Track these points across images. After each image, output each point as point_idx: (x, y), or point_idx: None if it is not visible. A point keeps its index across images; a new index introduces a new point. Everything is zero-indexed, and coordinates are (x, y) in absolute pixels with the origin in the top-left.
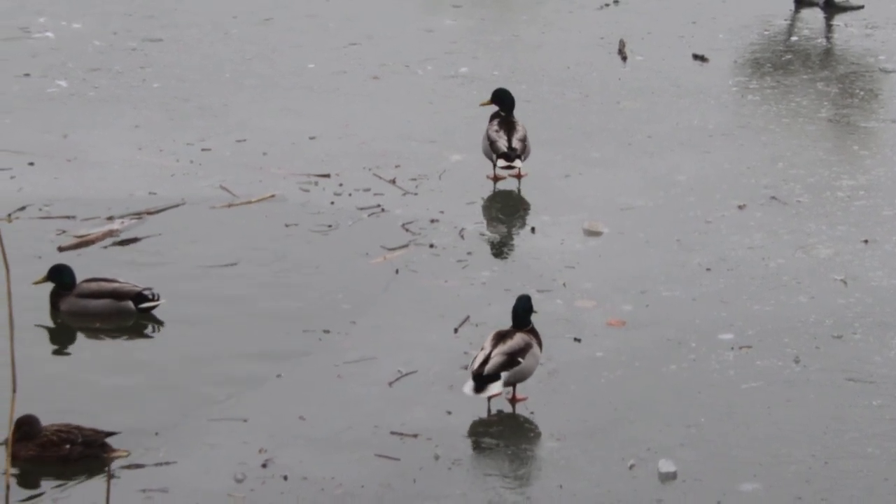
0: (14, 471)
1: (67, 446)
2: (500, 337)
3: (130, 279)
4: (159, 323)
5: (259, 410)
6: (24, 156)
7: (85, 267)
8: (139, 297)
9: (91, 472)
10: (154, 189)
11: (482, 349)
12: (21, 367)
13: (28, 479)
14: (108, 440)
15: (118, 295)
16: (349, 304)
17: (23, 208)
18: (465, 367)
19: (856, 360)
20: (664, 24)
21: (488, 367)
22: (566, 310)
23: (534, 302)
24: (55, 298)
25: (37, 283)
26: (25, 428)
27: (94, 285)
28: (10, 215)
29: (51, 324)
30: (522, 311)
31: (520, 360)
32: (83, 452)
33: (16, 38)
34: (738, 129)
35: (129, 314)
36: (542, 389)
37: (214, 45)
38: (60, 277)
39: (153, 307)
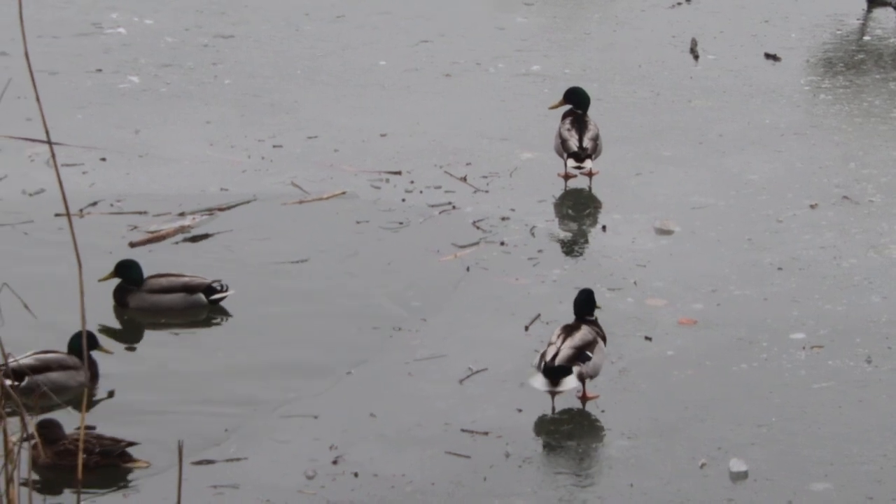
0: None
1: (85, 455)
2: (568, 330)
3: (198, 273)
4: (228, 315)
5: (330, 407)
6: (96, 151)
7: (157, 263)
8: (209, 289)
9: (164, 466)
10: (225, 185)
11: (550, 344)
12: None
13: (96, 475)
14: (130, 450)
15: (190, 288)
16: (420, 302)
17: (94, 204)
18: (534, 365)
19: None
20: (736, 22)
21: (559, 360)
22: (637, 308)
23: (604, 300)
24: (121, 294)
25: (103, 279)
26: (45, 431)
27: (164, 280)
28: (81, 210)
29: (117, 320)
30: (584, 302)
31: (588, 353)
32: (99, 462)
33: (88, 33)
34: (811, 128)
35: (201, 307)
36: (613, 388)
37: (286, 41)
38: (129, 273)
39: (223, 298)
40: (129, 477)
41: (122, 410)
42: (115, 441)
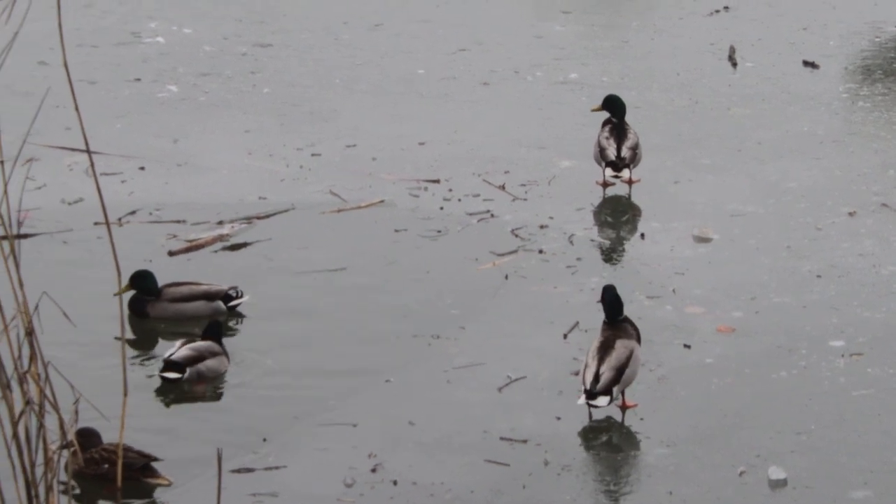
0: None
1: (106, 466)
2: (605, 349)
3: (223, 282)
4: (243, 316)
5: (368, 415)
6: (134, 160)
7: (195, 271)
8: (227, 296)
9: (203, 474)
10: (264, 194)
11: (586, 367)
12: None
13: (136, 484)
14: (156, 465)
15: (210, 296)
16: (458, 310)
17: (133, 212)
18: (575, 374)
19: None
20: (775, 30)
21: (601, 385)
22: (676, 316)
23: (643, 308)
24: (139, 305)
25: (119, 293)
26: (80, 440)
27: (184, 289)
28: (120, 219)
29: (131, 330)
30: (615, 306)
31: (625, 369)
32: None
33: (127, 42)
34: (849, 135)
35: (221, 314)
36: (652, 395)
37: (325, 50)
38: (144, 284)
39: (240, 304)
40: (165, 489)
41: (161, 418)
42: (141, 455)
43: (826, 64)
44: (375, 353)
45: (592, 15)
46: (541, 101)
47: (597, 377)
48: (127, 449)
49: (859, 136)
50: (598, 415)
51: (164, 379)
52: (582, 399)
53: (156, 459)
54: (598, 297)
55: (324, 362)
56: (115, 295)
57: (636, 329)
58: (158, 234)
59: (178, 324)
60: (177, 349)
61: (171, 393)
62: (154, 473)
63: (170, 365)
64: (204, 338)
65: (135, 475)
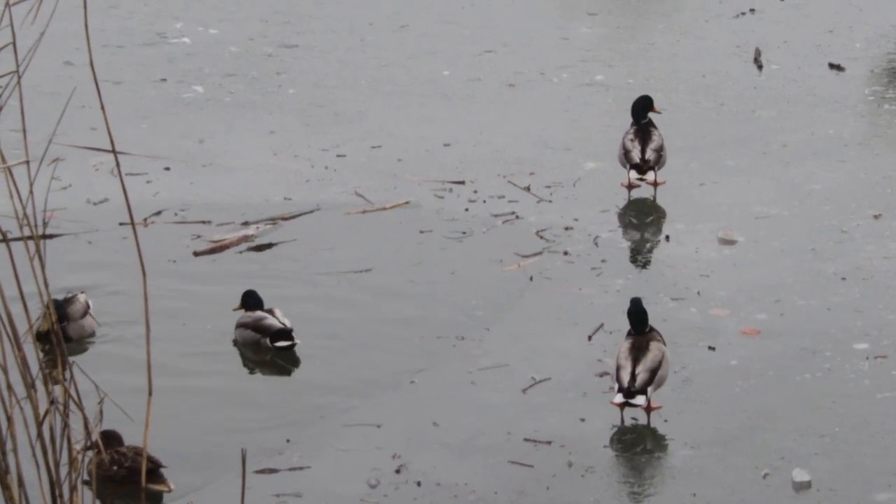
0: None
1: (115, 468)
2: (637, 350)
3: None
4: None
5: (393, 416)
6: (160, 161)
7: (220, 272)
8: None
9: (227, 474)
10: (289, 195)
11: (620, 368)
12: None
13: (137, 488)
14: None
15: (87, 304)
16: (483, 311)
17: (159, 213)
18: (600, 375)
19: None
20: (800, 32)
21: (638, 384)
22: (700, 318)
23: (668, 310)
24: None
25: (45, 328)
26: (102, 440)
27: (82, 300)
28: (145, 220)
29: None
30: (642, 319)
31: (658, 370)
32: (126, 477)
33: (153, 43)
34: (874, 138)
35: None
36: (676, 397)
37: (350, 51)
38: (60, 310)
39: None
40: (194, 485)
41: (185, 418)
42: (148, 460)
43: (852, 66)
44: (400, 353)
45: (618, 17)
46: (566, 103)
47: (633, 377)
48: (136, 452)
49: (884, 139)
50: (623, 417)
51: (285, 347)
52: (619, 397)
53: (161, 466)
54: (627, 309)
55: (348, 363)
56: (40, 332)
57: (661, 335)
58: (183, 234)
59: (91, 336)
60: (275, 318)
61: (192, 394)
62: (158, 479)
63: (287, 333)
64: (257, 309)
65: (139, 479)
